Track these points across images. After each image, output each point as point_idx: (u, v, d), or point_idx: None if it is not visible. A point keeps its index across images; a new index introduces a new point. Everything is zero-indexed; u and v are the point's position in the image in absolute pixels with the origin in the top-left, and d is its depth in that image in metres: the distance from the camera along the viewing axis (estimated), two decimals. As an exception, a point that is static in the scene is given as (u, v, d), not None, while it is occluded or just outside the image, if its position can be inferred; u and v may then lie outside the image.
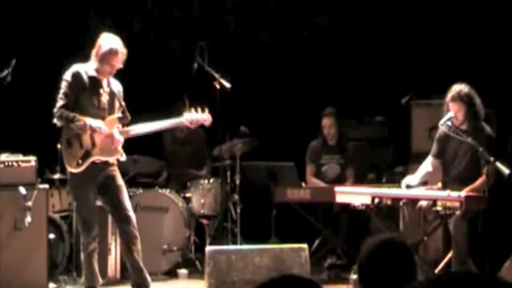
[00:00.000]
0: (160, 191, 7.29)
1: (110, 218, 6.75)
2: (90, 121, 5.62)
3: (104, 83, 5.76)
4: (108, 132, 5.69)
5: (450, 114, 6.02)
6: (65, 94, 5.64)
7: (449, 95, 6.04)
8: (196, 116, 5.84)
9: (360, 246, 2.83)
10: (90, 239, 5.77)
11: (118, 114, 5.76)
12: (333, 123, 7.50)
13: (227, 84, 6.90)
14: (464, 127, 6.06)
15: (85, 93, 5.67)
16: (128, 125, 5.81)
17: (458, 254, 5.80)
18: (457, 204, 5.66)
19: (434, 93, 6.96)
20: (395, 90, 7.96)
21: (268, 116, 8.37)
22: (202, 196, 7.30)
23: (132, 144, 6.54)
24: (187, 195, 7.44)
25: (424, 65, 8.05)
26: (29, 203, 6.20)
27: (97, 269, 5.90)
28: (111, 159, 5.76)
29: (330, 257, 7.08)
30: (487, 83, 6.86)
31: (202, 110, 5.88)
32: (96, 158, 5.68)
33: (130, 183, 7.41)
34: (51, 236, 6.58)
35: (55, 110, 5.65)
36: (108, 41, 5.70)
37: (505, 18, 7.86)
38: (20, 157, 6.40)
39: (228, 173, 7.35)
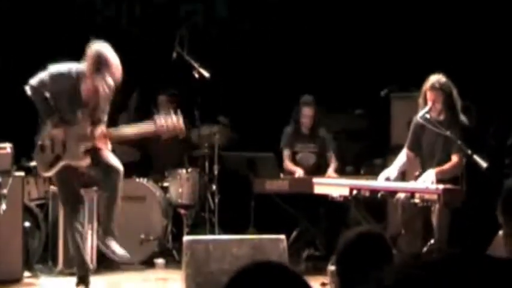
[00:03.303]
0: (137, 180, 7.24)
1: (86, 207, 6.71)
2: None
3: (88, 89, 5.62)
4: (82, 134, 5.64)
5: (427, 107, 6.04)
6: (43, 84, 5.59)
7: (428, 83, 6.06)
8: (169, 124, 5.55)
9: (338, 238, 2.81)
10: (78, 223, 5.74)
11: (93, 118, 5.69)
12: (313, 113, 7.47)
13: (206, 74, 6.87)
14: (441, 117, 6.08)
15: (65, 99, 5.60)
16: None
17: (439, 242, 5.81)
18: (435, 196, 5.68)
19: (413, 85, 6.96)
20: (375, 82, 7.98)
21: (248, 106, 8.35)
22: (180, 185, 7.26)
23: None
24: (165, 184, 7.41)
25: (404, 58, 8.06)
26: (4, 191, 6.13)
27: (86, 256, 5.90)
28: (80, 166, 5.71)
29: (308, 248, 7.08)
30: (466, 76, 6.89)
31: (175, 114, 5.62)
32: (66, 162, 5.64)
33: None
34: (27, 224, 6.50)
35: (33, 82, 5.58)
36: (107, 52, 5.53)
37: (484, 12, 7.89)
38: (-5, 144, 6.33)
39: (207, 163, 7.32)
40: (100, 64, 5.48)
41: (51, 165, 5.65)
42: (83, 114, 5.63)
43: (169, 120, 5.56)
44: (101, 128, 5.67)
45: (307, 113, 7.46)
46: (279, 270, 1.88)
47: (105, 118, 5.76)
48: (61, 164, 5.64)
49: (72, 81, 5.57)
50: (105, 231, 5.79)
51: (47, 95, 5.57)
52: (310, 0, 8.68)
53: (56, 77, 5.57)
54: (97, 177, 5.87)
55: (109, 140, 5.76)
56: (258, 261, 1.92)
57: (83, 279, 5.80)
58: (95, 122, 5.66)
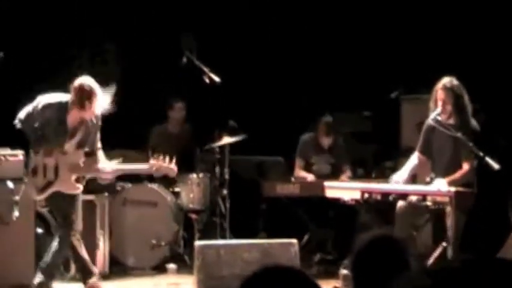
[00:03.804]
0: (149, 185, 7.26)
1: (98, 213, 6.73)
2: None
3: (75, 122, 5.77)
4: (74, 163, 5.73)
5: (438, 109, 6.04)
6: (31, 115, 5.72)
7: (440, 84, 6.06)
8: (163, 165, 5.83)
9: (349, 241, 2.81)
10: (73, 231, 5.79)
11: (85, 148, 5.79)
12: (333, 136, 7.45)
13: (216, 79, 6.88)
14: (451, 121, 6.07)
15: (51, 128, 5.72)
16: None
17: (453, 245, 5.80)
18: (446, 199, 5.67)
19: (423, 88, 6.96)
20: (384, 85, 7.97)
21: (258, 111, 8.35)
22: (191, 190, 7.27)
23: (118, 139, 6.56)
24: (176, 189, 7.41)
25: (413, 60, 8.05)
26: (17, 198, 6.15)
27: (88, 258, 5.93)
28: (72, 193, 5.80)
29: (319, 252, 7.08)
30: (475, 78, 6.88)
31: (170, 160, 5.85)
32: (57, 189, 5.73)
33: (119, 177, 7.38)
34: (39, 230, 6.53)
35: (21, 116, 5.75)
36: (94, 85, 5.69)
37: (494, 14, 7.88)
38: (8, 151, 6.34)
39: (217, 168, 7.33)
40: (85, 97, 5.64)
41: (42, 190, 5.75)
42: (74, 145, 5.75)
43: (163, 165, 5.82)
44: (94, 160, 5.80)
45: (326, 139, 7.42)
46: (290, 274, 1.89)
47: (98, 147, 5.87)
48: (52, 189, 5.74)
49: (59, 111, 5.72)
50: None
51: (36, 125, 5.67)
52: (318, 3, 8.67)
53: (45, 107, 5.72)
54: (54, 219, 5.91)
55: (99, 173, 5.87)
56: (269, 265, 1.93)
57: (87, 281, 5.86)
58: (89, 153, 5.79)
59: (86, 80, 5.70)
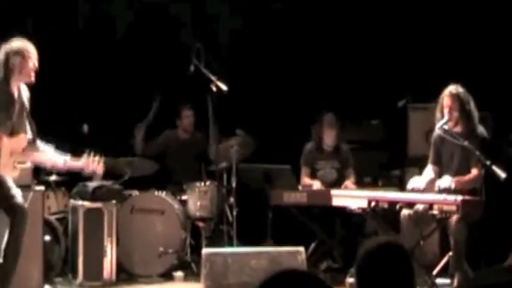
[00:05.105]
0: (156, 193, 7.28)
1: (105, 220, 6.75)
2: None
3: (16, 94, 5.63)
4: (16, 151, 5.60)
5: (445, 118, 6.05)
6: None
7: (446, 91, 6.09)
8: (92, 165, 5.70)
9: (356, 250, 2.81)
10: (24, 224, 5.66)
11: (29, 135, 5.65)
12: (336, 133, 7.42)
13: (224, 87, 6.90)
14: (458, 129, 6.07)
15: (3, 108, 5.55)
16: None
17: (457, 256, 5.80)
18: (453, 208, 5.66)
19: (430, 96, 6.97)
20: (391, 93, 7.98)
21: (265, 119, 8.36)
22: (198, 199, 7.28)
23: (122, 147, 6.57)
24: (184, 197, 7.43)
25: (421, 69, 8.06)
26: (25, 205, 6.16)
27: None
28: (11, 177, 5.66)
29: (326, 260, 7.08)
30: (483, 86, 6.89)
31: (99, 161, 5.74)
32: None
33: (126, 185, 7.41)
34: (47, 238, 6.55)
35: None
36: (26, 45, 5.56)
37: (502, 23, 7.89)
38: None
39: (224, 176, 7.34)
40: (11, 66, 5.51)
41: None
42: (20, 125, 5.60)
43: (92, 164, 5.70)
44: (35, 148, 5.68)
45: (330, 134, 7.38)
46: (303, 278, 1.89)
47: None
48: None
49: (5, 87, 5.56)
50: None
51: None
52: (326, 11, 8.69)
53: None
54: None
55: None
56: (283, 269, 1.93)
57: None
58: (30, 141, 5.65)
59: (18, 42, 5.57)
